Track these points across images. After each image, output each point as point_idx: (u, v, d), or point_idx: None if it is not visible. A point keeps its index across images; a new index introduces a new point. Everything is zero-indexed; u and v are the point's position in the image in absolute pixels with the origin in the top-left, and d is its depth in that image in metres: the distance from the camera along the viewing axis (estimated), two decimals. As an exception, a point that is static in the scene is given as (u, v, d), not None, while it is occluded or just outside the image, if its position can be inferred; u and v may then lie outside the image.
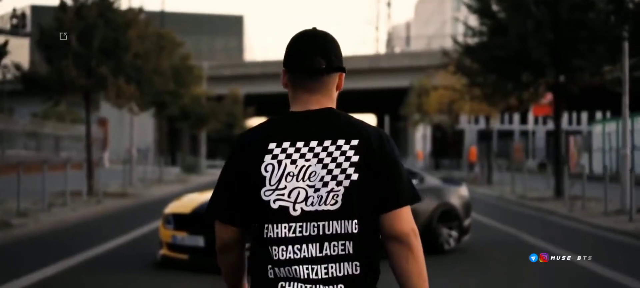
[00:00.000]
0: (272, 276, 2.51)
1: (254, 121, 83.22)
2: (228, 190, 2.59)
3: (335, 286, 2.48)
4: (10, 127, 41.71)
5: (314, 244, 2.49)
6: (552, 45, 23.75)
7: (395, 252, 2.54)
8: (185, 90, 38.44)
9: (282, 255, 2.49)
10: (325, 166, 2.51)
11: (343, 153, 2.52)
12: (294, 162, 2.53)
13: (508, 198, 26.82)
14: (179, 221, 10.73)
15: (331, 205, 2.49)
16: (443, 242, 12.46)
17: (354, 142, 2.53)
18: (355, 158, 2.52)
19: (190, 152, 66.12)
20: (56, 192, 21.66)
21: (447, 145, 70.28)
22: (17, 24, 33.09)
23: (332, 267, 2.48)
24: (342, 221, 2.50)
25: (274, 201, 2.50)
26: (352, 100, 68.78)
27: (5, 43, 17.93)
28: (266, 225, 2.51)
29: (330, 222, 2.49)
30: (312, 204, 2.50)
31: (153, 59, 27.90)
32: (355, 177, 2.50)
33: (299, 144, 2.54)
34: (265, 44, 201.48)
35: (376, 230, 2.56)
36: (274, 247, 2.49)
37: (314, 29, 2.68)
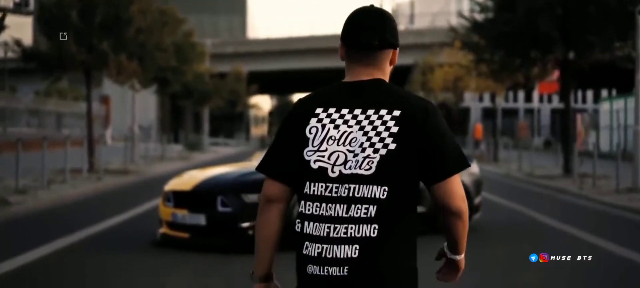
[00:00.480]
0: (299, 229, 2.69)
1: (257, 99, 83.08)
2: (277, 149, 2.78)
3: (350, 246, 2.59)
4: (13, 105, 41.48)
5: (342, 205, 2.61)
6: (561, 21, 23.33)
7: (447, 220, 2.71)
8: (188, 67, 38.10)
9: (316, 211, 2.64)
10: (365, 133, 2.65)
11: (384, 122, 2.64)
12: (337, 127, 2.68)
13: (515, 175, 26.48)
14: (179, 198, 10.38)
15: (365, 170, 2.61)
16: (453, 220, 12.07)
17: (396, 113, 2.65)
18: (394, 129, 2.63)
19: (193, 130, 65.84)
20: (57, 169, 21.36)
21: (452, 123, 69.78)
22: (20, 2, 32.81)
23: (351, 228, 2.59)
24: (372, 186, 2.60)
25: (314, 161, 2.67)
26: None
27: (3, 17, 17.54)
28: (307, 183, 2.68)
29: (361, 186, 2.61)
30: (350, 168, 2.62)
31: (155, 34, 27.50)
32: (392, 146, 2.61)
33: (344, 111, 2.69)
34: (268, 22, 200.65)
35: (406, 199, 2.66)
36: (309, 203, 2.66)
37: (371, 6, 2.82)
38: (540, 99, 79.20)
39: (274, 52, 69.63)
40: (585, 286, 8.13)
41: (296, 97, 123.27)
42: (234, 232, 9.90)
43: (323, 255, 2.60)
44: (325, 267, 2.60)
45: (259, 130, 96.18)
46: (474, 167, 13.08)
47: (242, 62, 61.33)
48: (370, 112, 2.66)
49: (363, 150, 2.62)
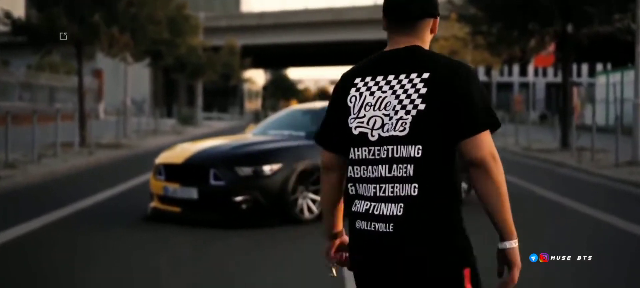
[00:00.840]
0: (352, 192, 2.87)
1: (251, 73, 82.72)
2: (327, 120, 3.02)
3: (396, 204, 2.73)
4: (5, 79, 41.09)
5: (384, 166, 2.77)
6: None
7: (474, 175, 2.70)
8: (181, 40, 37.71)
9: (364, 174, 2.82)
10: (397, 96, 2.78)
11: (414, 85, 2.76)
12: (372, 93, 2.84)
13: (512, 149, 26.25)
14: (171, 172, 10.10)
15: (400, 131, 2.75)
16: (451, 194, 11.82)
17: (425, 75, 2.76)
18: (423, 91, 2.73)
19: (187, 104, 65.51)
20: (48, 143, 21.07)
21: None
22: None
23: (396, 187, 2.74)
24: (407, 146, 2.74)
25: (355, 128, 2.85)
26: (351, 52, 68.06)
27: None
28: (352, 149, 2.87)
29: (398, 147, 2.75)
30: (387, 130, 2.78)
31: (148, 7, 27.11)
32: (422, 107, 2.72)
33: (379, 78, 2.85)
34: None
35: (442, 156, 2.74)
36: (356, 167, 2.85)
37: None
38: (535, 73, 79.03)
39: (267, 25, 69.24)
40: (587, 284, 7.90)
41: (291, 71, 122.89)
42: (227, 206, 9.65)
43: (371, 212, 2.78)
44: (373, 223, 2.78)
45: (253, 105, 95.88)
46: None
47: (236, 36, 60.93)
48: (402, 76, 2.79)
49: (396, 112, 2.76)
